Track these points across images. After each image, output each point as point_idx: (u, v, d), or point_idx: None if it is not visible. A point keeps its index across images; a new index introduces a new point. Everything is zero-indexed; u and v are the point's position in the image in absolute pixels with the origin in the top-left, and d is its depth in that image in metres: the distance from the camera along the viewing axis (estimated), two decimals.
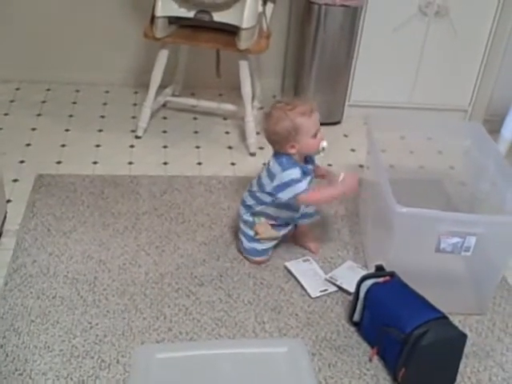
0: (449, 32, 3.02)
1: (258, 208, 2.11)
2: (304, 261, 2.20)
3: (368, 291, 1.86)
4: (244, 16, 2.50)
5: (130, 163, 2.67)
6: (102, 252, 2.16)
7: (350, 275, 2.11)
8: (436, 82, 3.15)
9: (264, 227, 2.13)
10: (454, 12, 2.96)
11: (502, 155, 2.31)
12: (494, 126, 2.75)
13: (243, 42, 2.54)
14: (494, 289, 2.12)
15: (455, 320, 2.01)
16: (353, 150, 2.95)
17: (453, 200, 2.60)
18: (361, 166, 2.75)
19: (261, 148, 2.87)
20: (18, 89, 3.14)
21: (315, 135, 2.02)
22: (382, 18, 2.95)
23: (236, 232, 2.26)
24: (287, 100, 2.11)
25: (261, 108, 3.18)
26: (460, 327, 1.96)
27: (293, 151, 2.02)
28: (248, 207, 2.13)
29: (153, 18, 2.61)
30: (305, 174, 2.04)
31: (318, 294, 2.06)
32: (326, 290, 2.08)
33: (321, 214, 2.33)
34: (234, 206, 2.44)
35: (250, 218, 2.13)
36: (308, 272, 2.15)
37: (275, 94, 3.36)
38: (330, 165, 2.76)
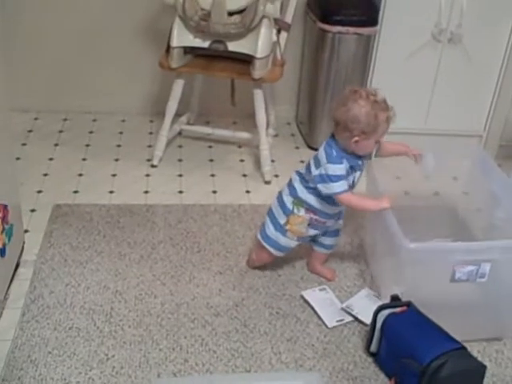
0: (462, 58, 3.02)
1: (301, 193, 2.03)
2: (320, 290, 2.19)
3: (385, 322, 1.85)
4: (258, 45, 2.53)
5: (146, 192, 2.69)
6: (118, 282, 2.16)
7: (365, 304, 2.10)
8: (450, 108, 3.15)
9: (300, 220, 2.07)
10: (468, 38, 2.96)
11: (508, 179, 2.29)
12: (510, 152, 2.74)
13: (257, 71, 2.57)
14: None
15: (474, 350, 1.99)
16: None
17: (468, 227, 2.58)
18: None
19: (276, 176, 2.88)
20: (36, 118, 3.19)
21: (378, 141, 1.99)
22: (396, 46, 2.96)
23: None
24: (374, 92, 1.95)
25: (275, 135, 3.21)
26: (479, 357, 1.96)
27: (352, 144, 1.93)
28: (293, 189, 2.06)
29: (168, 47, 2.65)
30: (352, 168, 1.98)
31: (335, 324, 2.05)
32: (342, 319, 2.07)
33: (338, 245, 2.32)
34: (249, 234, 2.45)
35: (291, 206, 2.06)
36: (324, 301, 2.14)
37: (289, 122, 3.38)
38: None
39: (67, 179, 2.73)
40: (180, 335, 1.98)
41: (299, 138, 3.25)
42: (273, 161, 2.97)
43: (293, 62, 3.20)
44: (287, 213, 2.07)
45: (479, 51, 3.02)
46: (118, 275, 2.20)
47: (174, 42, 2.59)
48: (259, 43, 2.52)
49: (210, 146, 3.09)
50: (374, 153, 2.03)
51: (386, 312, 1.87)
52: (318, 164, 1.97)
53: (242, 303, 2.12)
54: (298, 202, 2.06)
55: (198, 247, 2.37)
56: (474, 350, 1.99)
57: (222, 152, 3.05)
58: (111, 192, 2.67)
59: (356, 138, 1.91)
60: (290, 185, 2.08)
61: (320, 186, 1.97)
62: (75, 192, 2.65)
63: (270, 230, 2.12)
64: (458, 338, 1.93)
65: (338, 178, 1.94)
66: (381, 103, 1.91)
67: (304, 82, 3.23)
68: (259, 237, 2.16)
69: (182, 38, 2.60)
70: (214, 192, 2.74)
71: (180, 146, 3.07)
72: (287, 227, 2.09)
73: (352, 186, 2.04)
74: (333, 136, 1.99)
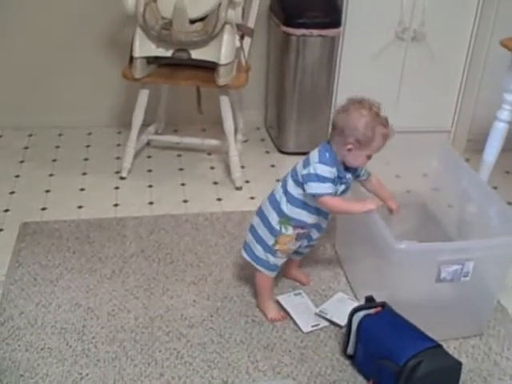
0: (427, 56, 3.04)
1: (290, 211, 1.95)
2: (295, 294, 2.17)
3: (360, 323, 1.84)
4: (222, 52, 2.51)
5: (116, 205, 2.65)
6: (89, 299, 2.13)
7: (340, 308, 2.09)
8: (418, 105, 3.17)
9: (289, 238, 2.00)
10: (431, 36, 2.99)
11: (476, 174, 2.30)
12: (478, 146, 2.75)
13: (222, 78, 2.55)
14: (491, 309, 2.10)
15: (450, 346, 2.00)
16: None
17: (440, 223, 2.58)
18: None
19: (247, 181, 2.87)
20: (0, 136, 3.13)
21: (370, 156, 1.95)
22: (360, 46, 2.97)
23: (225, 267, 2.25)
24: (378, 105, 1.91)
25: (245, 141, 3.19)
26: (456, 354, 1.96)
27: (345, 152, 1.88)
28: (279, 209, 1.96)
29: (131, 58, 2.62)
30: (339, 179, 1.92)
31: (310, 329, 2.04)
32: (317, 324, 2.05)
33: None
34: (221, 242, 2.43)
35: (278, 226, 1.98)
36: (300, 306, 2.12)
37: (259, 126, 3.37)
38: None
39: (34, 196, 2.68)
40: (155, 349, 1.94)
41: (269, 143, 3.24)
42: (243, 167, 2.95)
43: (259, 66, 3.20)
44: (275, 234, 1.99)
45: (443, 48, 3.04)
46: (90, 291, 2.16)
47: (137, 53, 2.56)
48: (222, 50, 2.51)
49: (180, 155, 3.06)
50: (361, 173, 2.02)
51: (360, 314, 1.86)
52: (306, 164, 1.91)
53: (217, 313, 2.10)
54: (285, 220, 1.98)
55: (170, 258, 2.34)
56: (451, 346, 2.00)
57: (191, 160, 3.03)
58: (80, 207, 2.63)
59: (349, 146, 1.87)
60: (276, 205, 1.98)
61: (306, 186, 1.90)
62: (43, 209, 2.60)
63: (259, 250, 2.03)
64: (439, 337, 1.93)
65: (325, 180, 1.88)
66: (382, 118, 1.89)
67: (271, 86, 3.23)
68: (248, 258, 2.06)
69: (144, 48, 2.57)
70: (185, 201, 2.71)
71: (149, 157, 3.04)
72: (276, 247, 2.01)
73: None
74: (328, 142, 1.94)
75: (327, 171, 1.88)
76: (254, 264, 2.06)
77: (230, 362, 1.91)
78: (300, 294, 2.18)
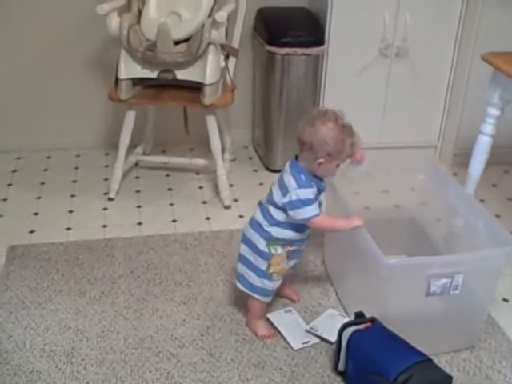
0: (411, 71, 3.07)
1: (276, 233, 1.94)
2: (286, 311, 2.17)
3: (350, 339, 1.84)
4: (207, 72, 2.53)
5: (104, 226, 2.65)
6: (78, 321, 2.11)
7: (331, 324, 2.08)
8: (403, 121, 3.19)
9: (281, 258, 1.98)
10: (414, 52, 3.02)
11: (462, 188, 2.32)
12: (464, 159, 2.77)
13: (208, 98, 2.56)
14: (482, 322, 2.11)
15: (442, 360, 2.00)
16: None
17: (429, 237, 2.59)
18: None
19: (235, 200, 2.87)
20: None
21: (339, 165, 1.95)
22: (344, 63, 3.00)
23: (215, 286, 2.24)
24: (342, 115, 1.91)
25: (233, 160, 3.20)
26: (447, 367, 1.96)
27: (315, 166, 1.88)
28: (264, 232, 1.95)
29: (117, 80, 2.63)
30: (319, 191, 1.93)
31: (301, 346, 2.03)
32: (308, 341, 2.05)
33: (302, 263, 2.31)
34: (210, 261, 2.43)
35: (266, 249, 1.96)
36: (290, 323, 2.12)
37: (246, 145, 3.39)
38: None
39: (22, 219, 2.67)
40: (145, 370, 1.93)
41: (257, 161, 3.25)
42: (231, 185, 2.96)
43: (245, 85, 3.22)
44: (266, 257, 1.97)
45: (427, 63, 3.08)
46: (79, 313, 2.15)
47: (122, 74, 2.57)
48: (207, 70, 2.52)
49: (168, 175, 3.07)
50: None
51: (350, 329, 1.86)
52: (285, 191, 1.89)
53: (208, 332, 2.09)
54: (273, 242, 1.97)
55: (159, 278, 2.33)
56: (442, 360, 2.00)
57: (180, 180, 3.03)
58: (68, 229, 2.62)
59: (320, 160, 1.87)
60: (260, 229, 1.96)
61: (292, 213, 1.89)
62: (31, 232, 2.60)
63: (253, 278, 2.00)
64: (430, 350, 1.92)
65: (310, 202, 1.87)
66: (348, 128, 1.89)
67: (258, 105, 3.25)
68: (244, 288, 2.04)
69: (129, 69, 2.58)
70: (174, 221, 2.71)
71: (137, 177, 3.04)
72: (271, 270, 1.99)
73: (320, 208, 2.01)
74: (296, 159, 1.94)
75: (310, 193, 1.88)
76: (251, 293, 2.04)
77: (221, 381, 1.90)
78: (290, 311, 2.18)
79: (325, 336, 2.05)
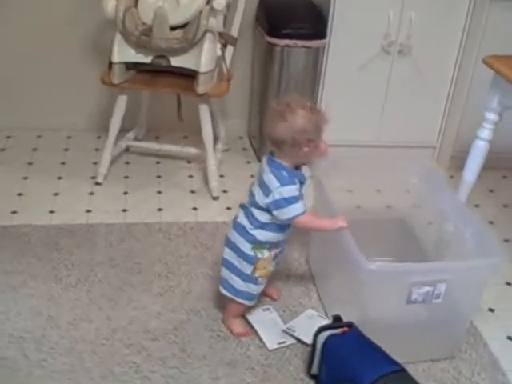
0: (413, 70, 3.00)
1: (261, 236, 1.88)
2: (264, 310, 2.12)
3: (325, 343, 1.78)
4: (201, 60, 2.46)
5: (88, 211, 2.60)
6: (51, 307, 2.07)
7: (309, 325, 2.03)
8: (403, 120, 3.12)
9: (267, 261, 1.93)
10: (418, 50, 2.94)
11: (455, 194, 2.26)
12: (462, 163, 2.71)
13: (202, 86, 2.50)
14: (464, 332, 2.05)
15: (419, 368, 1.95)
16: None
17: (418, 240, 2.53)
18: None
19: (224, 191, 2.82)
20: None
21: (317, 145, 1.86)
22: (345, 58, 2.93)
23: (195, 278, 2.20)
24: (301, 98, 1.84)
25: (226, 150, 3.15)
26: (423, 377, 1.91)
27: (301, 156, 1.81)
28: (249, 235, 1.88)
29: (110, 63, 2.57)
30: (301, 184, 1.87)
31: (276, 347, 1.98)
32: (284, 342, 2.00)
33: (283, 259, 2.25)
34: (193, 253, 2.38)
35: (252, 253, 1.90)
36: (267, 322, 2.06)
37: (242, 136, 3.32)
38: None
39: (6, 199, 2.62)
40: (114, 362, 1.89)
41: (251, 153, 3.19)
42: (222, 176, 2.91)
43: (243, 75, 3.16)
44: (252, 261, 1.91)
45: (430, 62, 3.00)
46: (52, 300, 2.10)
47: (115, 58, 2.51)
48: (202, 58, 2.46)
49: (159, 162, 3.01)
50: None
51: (326, 333, 1.80)
52: (267, 191, 1.82)
53: (182, 326, 2.04)
54: (259, 245, 1.90)
55: (138, 268, 2.28)
56: (420, 368, 1.95)
57: (170, 168, 2.98)
58: (52, 212, 2.57)
59: (306, 149, 1.80)
60: (244, 232, 1.89)
61: (276, 213, 1.82)
62: (13, 212, 2.55)
63: (238, 283, 1.94)
64: (408, 358, 1.90)
65: (295, 199, 1.81)
66: (314, 108, 1.82)
67: (255, 96, 3.18)
68: (228, 294, 1.97)
69: (122, 53, 2.52)
70: (160, 210, 2.66)
71: (127, 163, 2.98)
72: (257, 274, 1.93)
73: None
74: (272, 157, 1.87)
75: (293, 190, 1.82)
76: (236, 298, 1.98)
77: (190, 378, 1.85)
78: (268, 309, 2.12)
79: (301, 337, 1.99)
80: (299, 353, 1.97)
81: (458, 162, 2.94)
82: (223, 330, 2.04)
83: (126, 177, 2.87)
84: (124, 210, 2.63)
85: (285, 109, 1.80)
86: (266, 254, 1.93)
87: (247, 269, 1.93)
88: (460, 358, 2.01)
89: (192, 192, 2.81)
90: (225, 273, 1.98)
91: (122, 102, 2.66)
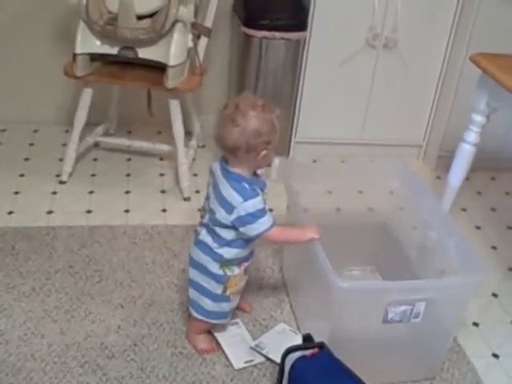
0: (399, 65, 2.85)
1: (228, 254, 1.72)
2: (232, 324, 1.96)
3: (293, 366, 1.63)
4: (170, 53, 2.30)
5: (50, 212, 2.43)
6: (1, 320, 1.91)
7: (279, 341, 1.88)
8: (388, 117, 2.98)
9: (238, 278, 1.79)
10: (404, 44, 2.79)
11: (438, 202, 2.11)
12: (449, 162, 2.57)
13: (171, 81, 2.33)
14: (446, 350, 1.91)
15: None
16: (297, 193, 2.74)
17: (402, 246, 2.39)
18: (304, 210, 2.53)
19: (197, 192, 2.66)
20: None
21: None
22: (327, 52, 2.77)
23: (159, 288, 2.05)
24: (251, 97, 1.69)
25: (202, 146, 2.99)
26: None
27: (259, 160, 1.66)
28: (215, 254, 1.72)
29: (75, 55, 2.40)
30: (262, 191, 1.72)
31: (243, 365, 1.83)
32: (251, 360, 1.85)
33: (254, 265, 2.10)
34: (159, 259, 2.22)
35: (221, 271, 1.74)
36: (234, 338, 1.91)
37: None
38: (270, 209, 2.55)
39: None
40: (65, 383, 1.73)
41: None
42: (195, 175, 2.75)
43: (220, 68, 3.00)
44: (222, 280, 1.76)
45: (416, 57, 2.85)
46: (3, 311, 1.94)
47: (78, 49, 2.34)
48: (171, 50, 2.29)
49: (129, 159, 2.85)
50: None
51: (295, 355, 1.65)
52: (229, 207, 1.65)
53: (142, 342, 1.89)
54: (227, 263, 1.75)
55: (99, 276, 2.12)
56: None
57: (141, 165, 2.81)
58: (10, 213, 2.41)
59: (264, 152, 1.65)
60: (209, 251, 1.74)
61: (244, 230, 1.67)
62: None
63: (209, 304, 1.79)
64: (386, 379, 1.80)
65: (262, 212, 1.66)
66: (266, 106, 1.65)
67: (232, 91, 3.01)
68: (200, 316, 1.82)
69: (86, 43, 2.35)
70: (127, 211, 2.49)
71: (95, 160, 2.82)
72: (228, 293, 1.79)
73: None
74: (226, 166, 1.69)
75: (258, 203, 1.66)
76: (209, 320, 1.83)
77: None
78: (237, 323, 1.97)
79: (271, 356, 1.85)
80: (268, 373, 1.82)
81: (446, 161, 2.79)
82: (187, 346, 1.89)
83: (93, 175, 2.71)
84: (88, 212, 2.47)
85: (234, 111, 1.62)
86: (236, 270, 1.77)
87: (217, 289, 1.77)
88: (441, 378, 1.88)
89: (162, 192, 2.65)
90: (193, 294, 1.82)
91: (87, 95, 2.49)
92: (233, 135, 1.61)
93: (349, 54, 2.79)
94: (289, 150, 2.96)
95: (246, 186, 1.66)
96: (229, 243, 1.72)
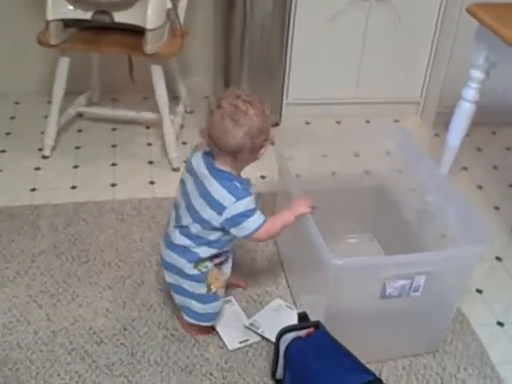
0: (392, 18, 2.70)
1: (204, 252, 1.64)
2: (225, 302, 1.88)
3: (288, 347, 1.56)
4: (148, 15, 2.15)
5: (33, 190, 2.33)
6: None
7: (275, 319, 1.81)
8: (383, 73, 2.85)
9: (215, 272, 1.70)
10: None
11: (435, 166, 2.01)
12: (448, 119, 2.46)
13: (150, 45, 2.20)
14: (449, 322, 1.84)
15: (399, 366, 1.75)
16: (290, 159, 2.63)
17: (400, 210, 2.29)
18: (297, 176, 2.43)
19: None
20: None
21: None
22: (317, 5, 2.62)
23: (148, 267, 1.96)
24: (244, 93, 1.58)
25: (190, 112, 2.86)
26: (404, 375, 1.73)
27: (257, 157, 1.60)
28: (186, 252, 1.64)
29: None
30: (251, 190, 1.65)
31: (238, 346, 1.76)
32: (246, 340, 1.78)
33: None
34: (147, 236, 2.13)
35: (197, 271, 1.65)
36: (228, 318, 1.84)
37: (208, 95, 3.02)
38: (263, 177, 2.45)
39: None
40: (53, 372, 1.66)
41: None
42: (184, 143, 2.63)
43: (204, 28, 2.84)
44: (201, 279, 1.67)
45: (411, 10, 2.71)
46: None
47: (49, 15, 2.20)
48: (149, 12, 2.15)
49: (115, 129, 2.73)
50: None
51: (290, 335, 1.58)
52: (219, 208, 1.56)
53: (132, 325, 1.81)
54: (200, 262, 1.66)
55: (86, 256, 2.04)
56: (399, 366, 1.75)
57: (127, 135, 2.70)
58: None
59: (262, 150, 1.59)
60: (184, 251, 1.64)
61: (235, 231, 1.59)
62: None
63: (198, 306, 1.70)
64: (387, 355, 1.74)
65: (252, 211, 1.58)
66: (257, 100, 1.57)
67: (219, 51, 2.86)
68: (191, 320, 1.73)
69: (58, 9, 2.20)
70: (114, 185, 2.39)
71: (79, 131, 2.70)
72: (213, 289, 1.70)
73: None
74: (214, 163, 1.59)
75: (249, 203, 1.57)
76: (200, 323, 1.74)
77: None
78: (230, 301, 1.89)
79: (266, 335, 1.78)
80: (264, 352, 1.75)
81: (445, 118, 2.68)
82: (178, 327, 1.82)
83: (78, 147, 2.60)
84: (73, 187, 2.36)
85: (234, 111, 1.52)
86: (210, 265, 1.68)
87: (201, 288, 1.68)
88: (444, 351, 1.81)
89: (150, 163, 2.54)
90: (179, 299, 1.73)
91: (63, 64, 2.36)
92: (238, 136, 1.52)
93: (339, 7, 2.64)
94: (280, 113, 2.83)
95: (238, 184, 1.57)
96: (209, 243, 1.63)
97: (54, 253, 2.04)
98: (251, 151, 1.56)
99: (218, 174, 1.57)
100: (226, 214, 1.56)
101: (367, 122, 2.89)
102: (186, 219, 1.63)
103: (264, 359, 1.73)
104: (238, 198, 1.55)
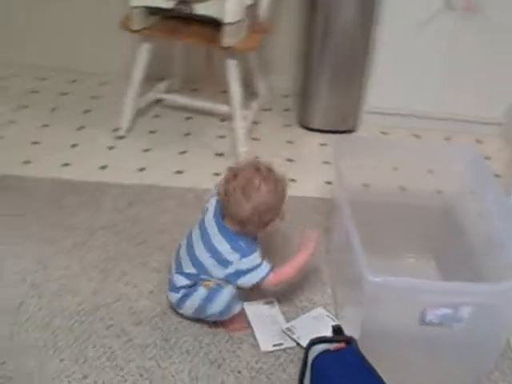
0: (481, 30, 2.56)
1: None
2: (266, 303, 1.87)
3: (316, 359, 1.53)
4: (226, 8, 2.17)
5: (103, 167, 2.42)
6: (38, 273, 1.91)
7: (313, 326, 1.78)
8: (466, 90, 2.72)
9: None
10: (488, 6, 2.50)
11: (502, 190, 1.90)
12: None
13: (227, 39, 2.22)
14: (496, 356, 1.74)
15: None
16: (359, 167, 2.58)
17: (466, 235, 2.20)
18: (365, 186, 2.38)
19: (256, 157, 2.55)
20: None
21: None
22: (402, 15, 2.54)
23: None
24: (260, 163, 1.67)
25: (267, 109, 2.87)
26: None
27: (267, 228, 1.68)
28: (191, 290, 1.71)
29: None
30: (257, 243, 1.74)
31: (271, 349, 1.74)
32: (281, 343, 1.76)
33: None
34: None
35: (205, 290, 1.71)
36: (266, 318, 1.82)
37: (287, 94, 3.01)
38: (328, 182, 2.42)
39: (19, 148, 2.48)
40: (88, 344, 1.72)
41: (293, 115, 2.89)
42: (256, 139, 2.64)
43: (290, 26, 2.83)
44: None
45: (502, 21, 2.54)
46: (41, 264, 1.95)
47: (133, 2, 2.26)
48: (227, 6, 2.16)
49: (189, 118, 2.78)
50: None
51: (319, 347, 1.55)
52: (225, 263, 1.66)
53: (171, 310, 1.84)
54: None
55: (141, 237, 2.09)
56: None
57: (201, 125, 2.74)
58: (66, 165, 2.41)
59: (272, 223, 1.66)
60: (177, 287, 1.72)
61: (241, 283, 1.68)
62: (26, 162, 2.40)
63: (215, 307, 1.72)
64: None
65: (258, 265, 1.67)
66: (274, 176, 1.62)
67: (301, 50, 2.85)
68: (214, 318, 1.76)
69: None
70: (179, 172, 2.44)
71: (156, 116, 2.77)
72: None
73: None
74: (222, 220, 1.67)
75: (255, 258, 1.66)
76: (224, 317, 1.76)
77: (166, 374, 1.66)
78: (272, 302, 1.88)
79: (301, 342, 1.75)
80: (296, 359, 1.73)
81: None
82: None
83: (152, 131, 2.67)
84: (141, 170, 2.43)
85: (247, 184, 1.59)
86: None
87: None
88: None
89: (219, 155, 2.56)
90: (203, 309, 1.74)
91: (144, 50, 2.43)
92: (245, 211, 1.59)
93: (425, 17, 2.55)
94: (357, 120, 2.78)
95: (242, 244, 1.65)
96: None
97: (111, 230, 2.11)
98: (258, 225, 1.64)
99: (226, 233, 1.65)
100: (231, 268, 1.65)
101: (447, 139, 2.79)
102: (194, 269, 1.71)
103: (295, 366, 1.71)
104: (243, 255, 1.64)
